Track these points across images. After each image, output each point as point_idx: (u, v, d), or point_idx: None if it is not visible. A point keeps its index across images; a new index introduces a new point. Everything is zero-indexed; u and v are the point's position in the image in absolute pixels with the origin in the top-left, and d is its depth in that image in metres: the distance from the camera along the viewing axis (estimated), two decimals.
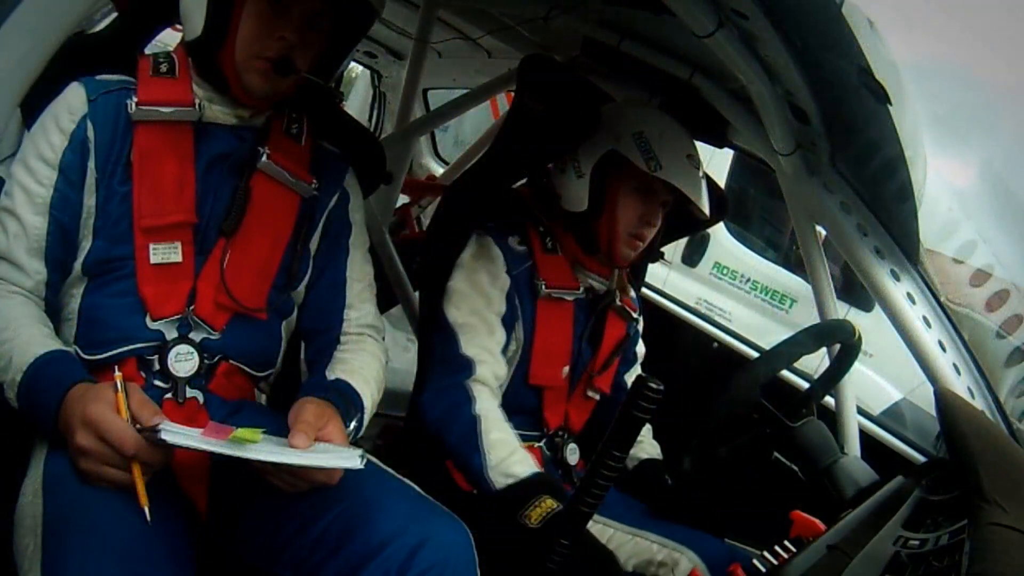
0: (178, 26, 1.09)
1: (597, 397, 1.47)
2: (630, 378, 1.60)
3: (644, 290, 2.13)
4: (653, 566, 1.22)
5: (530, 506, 1.11)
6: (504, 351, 1.34)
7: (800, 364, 1.42)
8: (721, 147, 1.92)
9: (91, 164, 1.01)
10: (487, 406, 1.26)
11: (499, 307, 1.34)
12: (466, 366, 1.29)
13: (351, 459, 0.88)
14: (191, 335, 1.05)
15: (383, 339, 1.24)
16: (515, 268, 1.35)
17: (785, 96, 1.26)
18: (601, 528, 1.26)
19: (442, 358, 1.32)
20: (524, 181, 1.55)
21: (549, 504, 1.11)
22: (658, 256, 1.53)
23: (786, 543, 1.05)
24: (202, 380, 1.07)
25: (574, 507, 0.96)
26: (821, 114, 1.26)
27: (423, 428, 1.31)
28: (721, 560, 1.20)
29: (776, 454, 1.33)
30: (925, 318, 1.38)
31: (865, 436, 1.56)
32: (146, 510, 0.82)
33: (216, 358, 1.08)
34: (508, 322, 1.35)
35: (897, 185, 1.28)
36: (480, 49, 2.41)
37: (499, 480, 1.17)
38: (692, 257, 4.20)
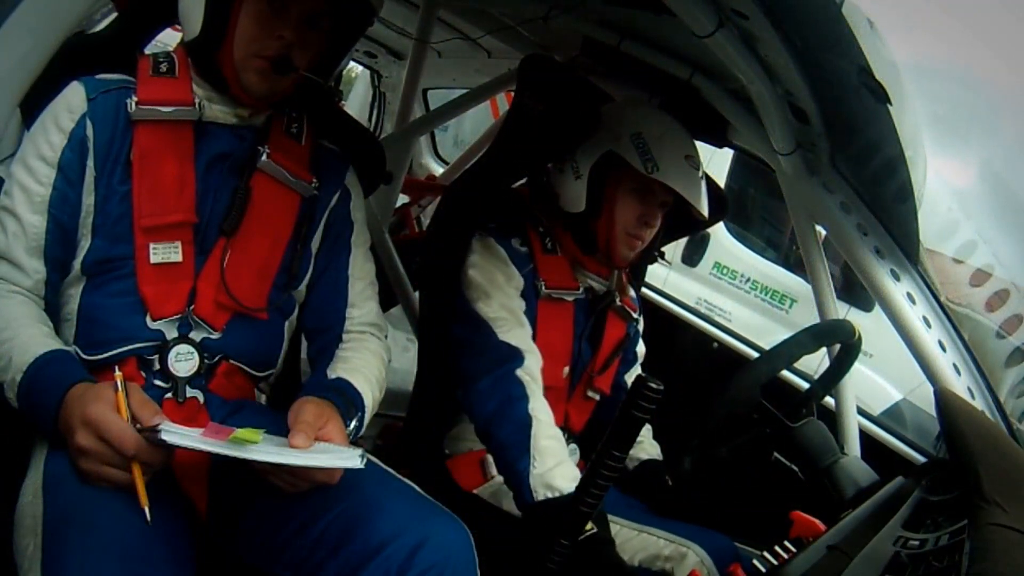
0: (178, 26, 1.09)
1: (597, 397, 1.47)
2: (630, 378, 1.60)
3: (644, 290, 2.13)
4: (660, 560, 1.22)
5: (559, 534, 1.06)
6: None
7: (800, 364, 1.42)
8: (721, 147, 1.92)
9: (90, 163, 1.01)
10: (539, 406, 1.23)
11: (520, 303, 1.33)
12: (514, 355, 1.26)
13: (351, 459, 0.88)
14: (191, 335, 1.05)
15: (385, 337, 1.24)
16: (521, 269, 1.35)
17: (785, 96, 1.26)
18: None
19: (483, 348, 1.28)
20: (524, 181, 1.55)
21: (587, 528, 1.04)
22: (657, 256, 1.53)
23: (786, 543, 1.06)
24: (202, 380, 1.06)
25: (574, 507, 0.95)
26: (821, 114, 1.26)
27: (473, 418, 1.28)
28: (727, 554, 1.20)
29: (776, 454, 1.34)
30: (925, 318, 1.38)
31: (865, 436, 1.56)
32: (146, 510, 0.82)
33: (216, 358, 1.08)
34: (529, 317, 1.33)
35: (897, 185, 1.28)
36: (480, 49, 2.41)
37: (540, 491, 1.14)
38: (692, 257, 4.20)
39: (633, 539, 1.26)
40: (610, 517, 1.27)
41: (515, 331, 1.28)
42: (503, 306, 1.30)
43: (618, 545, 1.23)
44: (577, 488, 0.96)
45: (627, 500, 1.45)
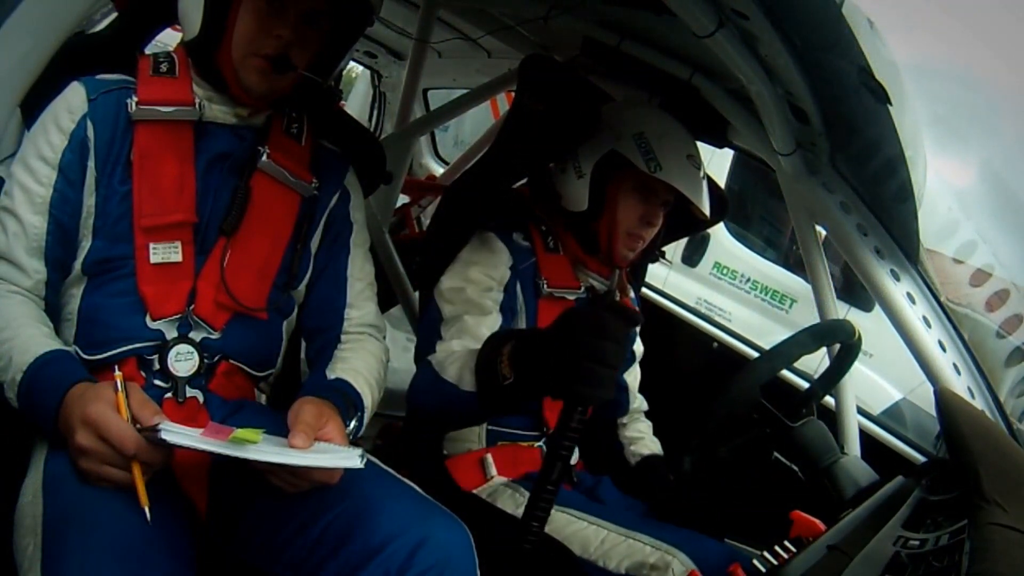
0: (178, 26, 1.09)
1: None
2: (628, 377, 1.61)
3: (644, 290, 2.13)
4: (646, 568, 1.20)
5: (500, 366, 0.97)
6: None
7: (800, 364, 1.42)
8: (721, 147, 1.92)
9: (91, 163, 1.01)
10: (437, 358, 1.18)
11: (495, 295, 1.31)
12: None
13: (351, 459, 0.88)
14: (191, 335, 1.05)
15: (384, 338, 1.24)
16: (520, 263, 1.35)
17: (785, 96, 1.26)
18: (595, 530, 1.25)
19: (422, 352, 1.29)
20: (524, 181, 1.55)
21: (507, 350, 0.97)
22: (658, 256, 1.53)
23: (786, 543, 1.06)
24: (202, 380, 1.06)
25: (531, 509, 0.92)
26: (821, 114, 1.26)
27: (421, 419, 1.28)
28: (716, 562, 1.19)
29: (776, 454, 1.34)
30: (925, 318, 1.38)
31: (865, 436, 1.56)
32: (146, 510, 0.82)
33: (216, 358, 1.08)
34: (507, 309, 1.32)
35: (897, 185, 1.28)
36: (480, 49, 2.41)
37: (469, 384, 1.05)
38: (692, 257, 4.20)
39: (619, 545, 1.24)
40: (598, 522, 1.26)
41: (463, 338, 1.24)
42: (465, 301, 1.28)
43: (604, 551, 1.22)
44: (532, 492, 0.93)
45: (626, 501, 1.44)
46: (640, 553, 1.20)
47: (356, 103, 4.21)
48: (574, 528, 1.26)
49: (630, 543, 1.22)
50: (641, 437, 1.58)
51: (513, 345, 0.98)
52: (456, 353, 1.16)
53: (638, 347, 1.61)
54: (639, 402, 1.65)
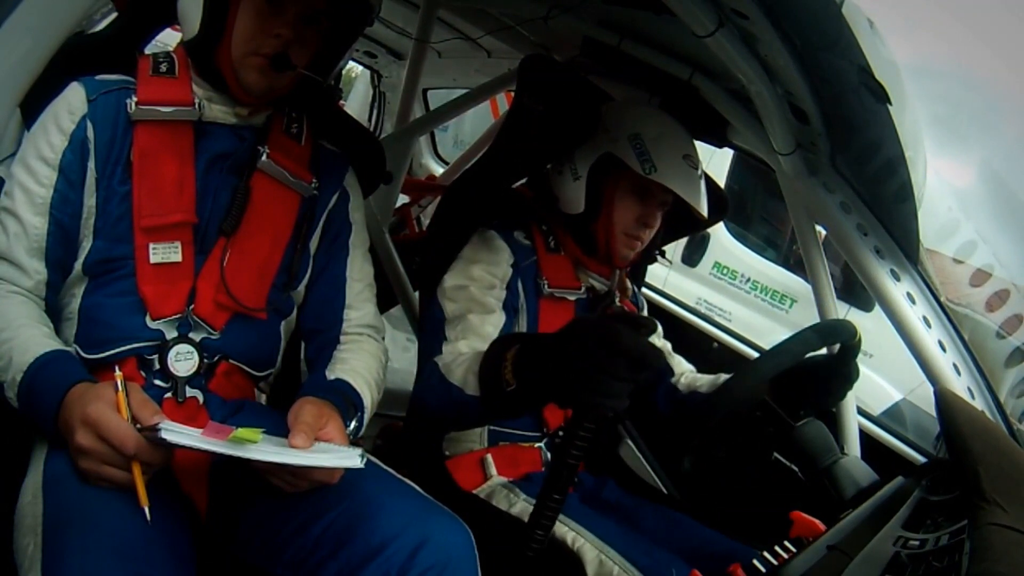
0: (178, 26, 1.09)
1: None
2: (658, 342, 1.59)
3: (644, 290, 2.13)
4: None
5: (503, 372, 0.97)
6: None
7: None
8: (721, 147, 1.92)
9: (91, 164, 1.01)
10: (444, 360, 1.18)
11: (498, 293, 1.31)
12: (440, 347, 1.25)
13: (351, 458, 0.88)
14: (191, 335, 1.05)
15: (383, 339, 1.24)
16: (522, 261, 1.35)
17: (785, 96, 1.26)
18: (574, 536, 1.25)
19: (427, 353, 1.29)
20: (524, 181, 1.55)
21: (511, 355, 0.97)
22: (658, 256, 1.53)
23: (786, 543, 1.05)
24: (202, 380, 1.07)
25: (537, 514, 0.92)
26: (821, 114, 1.26)
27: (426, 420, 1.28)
28: (715, 562, 1.18)
29: (776, 454, 1.34)
30: (925, 318, 1.38)
31: (865, 436, 1.56)
32: (146, 510, 0.82)
33: (216, 358, 1.08)
34: (510, 307, 1.32)
35: (897, 185, 1.28)
36: (480, 49, 2.41)
37: (473, 388, 1.04)
38: (692, 257, 4.21)
39: (591, 560, 1.23)
40: (579, 529, 1.25)
41: (467, 338, 1.24)
42: (469, 299, 1.28)
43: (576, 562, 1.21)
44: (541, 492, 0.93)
45: (630, 501, 1.44)
46: (608, 574, 1.19)
47: (356, 103, 4.21)
48: (558, 533, 1.25)
49: (602, 560, 1.20)
50: (695, 375, 1.52)
51: (517, 351, 0.97)
52: (463, 356, 1.15)
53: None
54: (677, 360, 1.58)
